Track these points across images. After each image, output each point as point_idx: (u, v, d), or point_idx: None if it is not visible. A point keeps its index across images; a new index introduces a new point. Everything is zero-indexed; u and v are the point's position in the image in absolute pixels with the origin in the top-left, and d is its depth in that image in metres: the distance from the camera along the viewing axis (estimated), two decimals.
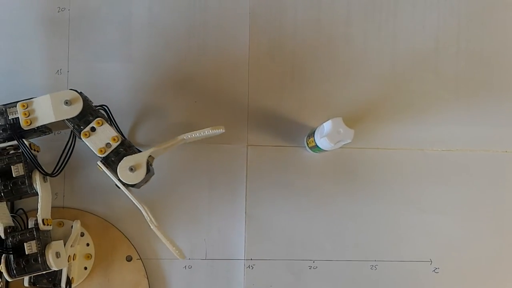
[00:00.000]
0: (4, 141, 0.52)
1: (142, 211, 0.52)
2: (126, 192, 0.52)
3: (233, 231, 0.63)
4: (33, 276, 0.54)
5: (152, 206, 0.62)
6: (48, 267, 0.50)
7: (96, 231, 0.61)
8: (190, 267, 0.62)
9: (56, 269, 0.51)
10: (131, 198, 0.52)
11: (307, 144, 0.62)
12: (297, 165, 0.64)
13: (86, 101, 0.53)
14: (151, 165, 0.53)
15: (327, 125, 0.56)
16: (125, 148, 0.52)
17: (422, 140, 0.65)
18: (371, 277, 0.63)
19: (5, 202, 0.53)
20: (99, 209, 0.62)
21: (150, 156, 0.52)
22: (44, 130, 0.53)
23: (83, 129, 0.52)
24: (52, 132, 0.55)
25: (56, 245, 0.52)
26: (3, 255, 0.50)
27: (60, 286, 0.56)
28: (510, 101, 0.66)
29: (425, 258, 0.64)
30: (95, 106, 0.54)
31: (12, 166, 0.52)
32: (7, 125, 0.52)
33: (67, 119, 0.52)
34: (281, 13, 0.65)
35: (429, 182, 0.64)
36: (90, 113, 0.52)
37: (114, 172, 0.51)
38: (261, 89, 0.64)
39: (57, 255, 0.51)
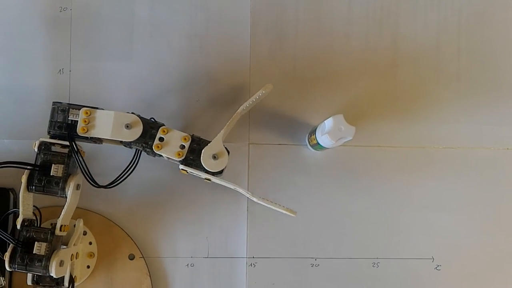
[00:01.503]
0: (54, 138, 0.52)
1: (240, 191, 0.53)
2: (219, 182, 0.53)
3: (235, 229, 0.63)
4: (36, 274, 0.54)
5: (155, 205, 0.62)
6: (48, 271, 0.50)
7: (99, 230, 0.61)
8: (192, 265, 0.62)
9: (55, 277, 0.51)
10: (226, 184, 0.53)
11: (309, 142, 0.62)
12: (299, 163, 0.64)
13: (143, 118, 0.53)
14: None
15: (328, 122, 0.56)
16: (196, 143, 0.53)
17: (423, 138, 0.65)
18: (373, 275, 0.63)
19: (32, 194, 0.53)
20: (102, 208, 0.62)
21: None
22: (95, 140, 0.53)
23: (152, 143, 0.52)
24: (101, 143, 0.54)
25: (62, 254, 0.52)
26: (12, 245, 0.50)
27: (63, 285, 0.56)
28: (511, 99, 0.66)
29: (427, 256, 0.64)
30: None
31: (53, 164, 0.51)
32: (64, 124, 0.52)
33: (132, 141, 0.52)
34: (282, 13, 0.65)
35: (431, 180, 0.65)
36: (150, 127, 0.53)
37: (199, 167, 0.52)
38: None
39: (61, 263, 0.51)
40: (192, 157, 0.52)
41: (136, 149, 0.54)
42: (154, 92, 0.63)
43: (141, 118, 0.53)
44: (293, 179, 0.64)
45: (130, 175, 0.61)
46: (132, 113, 0.53)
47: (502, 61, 0.66)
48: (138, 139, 0.52)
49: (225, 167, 0.53)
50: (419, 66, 0.66)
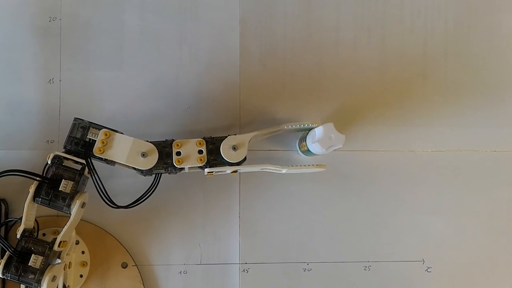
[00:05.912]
0: (69, 153, 0.52)
1: (269, 168, 0.55)
2: (246, 169, 0.55)
3: (227, 235, 0.63)
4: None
5: (147, 213, 0.62)
6: (40, 285, 0.50)
7: (91, 239, 0.61)
8: (185, 272, 0.63)
9: None
10: (254, 168, 0.55)
11: (299, 148, 0.63)
12: None
13: (153, 142, 0.53)
14: None
15: (318, 131, 0.56)
16: (211, 143, 0.54)
17: (412, 141, 0.66)
18: (365, 278, 0.64)
19: (36, 206, 0.52)
20: (94, 217, 0.62)
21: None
22: (109, 162, 0.53)
23: (172, 161, 0.53)
24: (114, 165, 0.54)
25: (56, 269, 0.51)
26: (8, 253, 0.50)
27: None
28: (498, 102, 0.67)
29: (417, 258, 0.65)
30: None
31: (63, 180, 0.51)
32: (82, 141, 0.52)
33: (153, 167, 0.52)
34: (271, 20, 0.66)
35: (420, 183, 0.65)
36: (163, 147, 0.53)
37: (223, 164, 0.53)
38: (252, 95, 0.64)
39: (53, 279, 0.51)
40: (213, 157, 0.53)
41: (156, 174, 0.54)
42: (145, 100, 0.63)
43: (151, 142, 0.53)
44: (284, 184, 0.64)
45: (122, 182, 0.62)
46: (147, 141, 0.53)
47: (488, 65, 0.67)
48: (157, 163, 0.52)
49: (243, 160, 0.54)
50: (407, 71, 0.66)
